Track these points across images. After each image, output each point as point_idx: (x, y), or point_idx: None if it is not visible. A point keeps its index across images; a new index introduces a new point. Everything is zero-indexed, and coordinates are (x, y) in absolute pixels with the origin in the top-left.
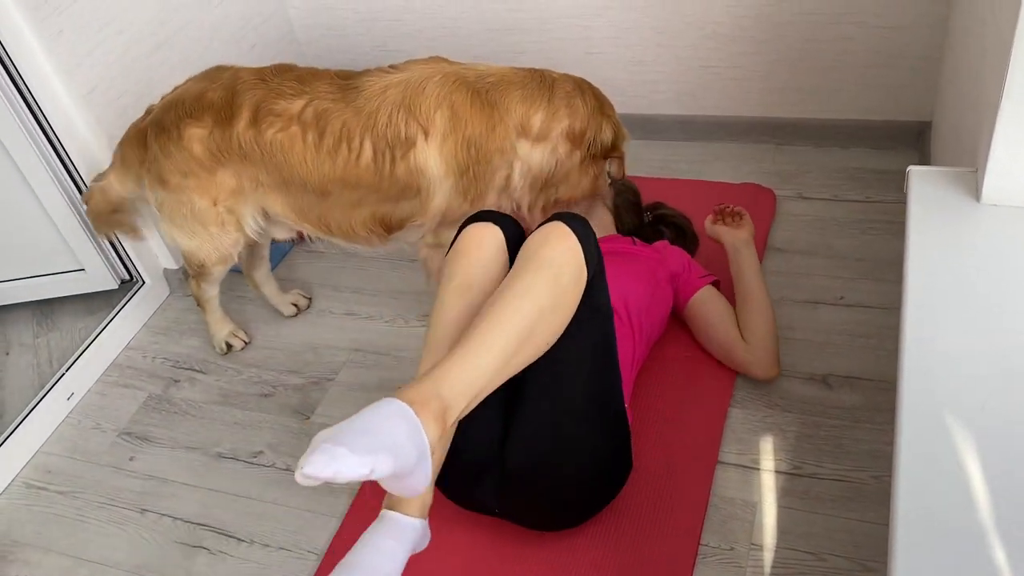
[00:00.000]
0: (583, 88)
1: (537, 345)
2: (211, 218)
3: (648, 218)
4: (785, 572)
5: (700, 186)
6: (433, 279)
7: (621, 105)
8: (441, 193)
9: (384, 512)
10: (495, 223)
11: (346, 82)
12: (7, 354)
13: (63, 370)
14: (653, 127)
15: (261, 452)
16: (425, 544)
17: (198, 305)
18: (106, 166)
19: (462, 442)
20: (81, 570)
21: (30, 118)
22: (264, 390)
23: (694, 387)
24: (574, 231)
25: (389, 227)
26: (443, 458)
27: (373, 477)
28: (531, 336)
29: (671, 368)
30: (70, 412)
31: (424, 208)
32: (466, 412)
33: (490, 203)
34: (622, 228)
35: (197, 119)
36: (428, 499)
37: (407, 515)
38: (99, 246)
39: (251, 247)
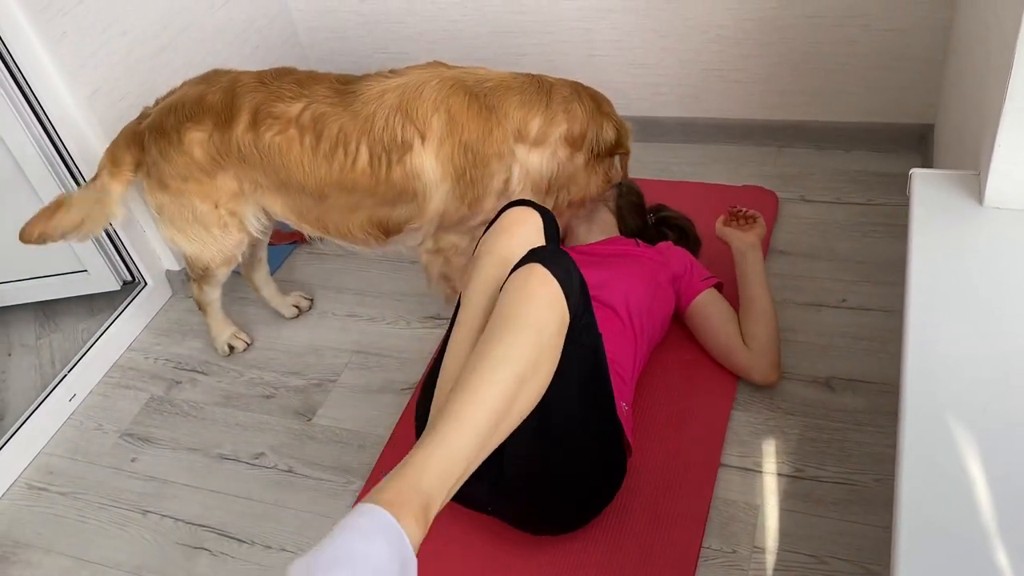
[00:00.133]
0: (580, 91)
1: (521, 412)
2: (213, 220)
3: (651, 220)
4: (787, 575)
5: (702, 188)
6: (434, 284)
7: (623, 108)
8: (438, 197)
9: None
10: (535, 208)
11: (345, 86)
12: (9, 355)
13: (65, 371)
14: (655, 129)
15: (263, 454)
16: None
17: (199, 308)
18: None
19: None
20: (82, 571)
21: (33, 119)
22: (266, 392)
23: (696, 390)
24: (555, 275)
25: (387, 231)
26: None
27: None
28: (512, 407)
29: (673, 370)
30: (72, 413)
31: (421, 212)
32: (449, 498)
33: (489, 207)
34: (625, 230)
35: (197, 122)
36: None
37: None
38: (101, 247)
39: (250, 248)
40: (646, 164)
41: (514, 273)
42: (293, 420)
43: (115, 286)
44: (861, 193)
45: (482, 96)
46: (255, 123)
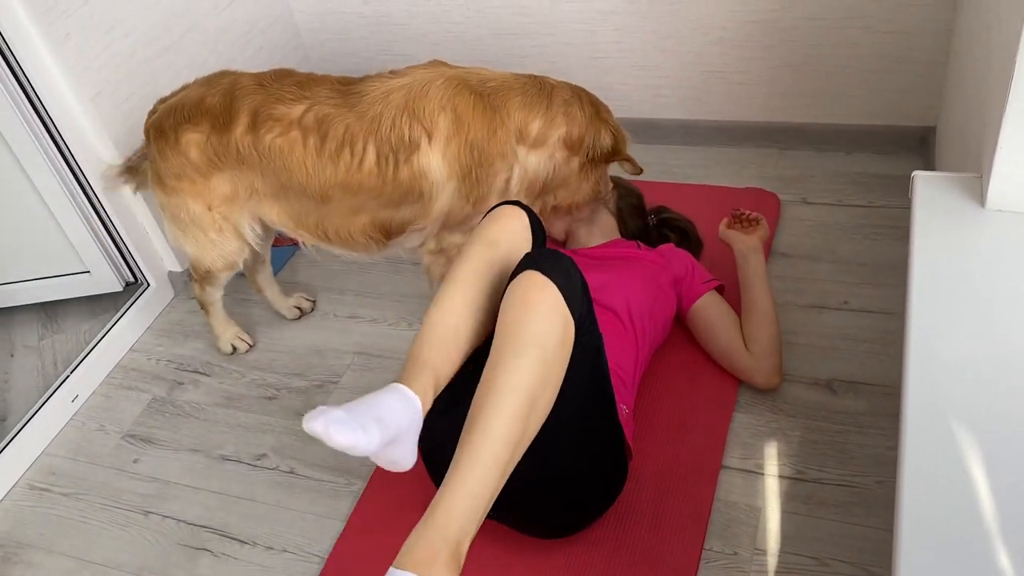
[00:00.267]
0: (580, 95)
1: (536, 427)
2: (208, 223)
3: (652, 221)
4: None
5: (703, 190)
6: (435, 284)
7: (625, 109)
8: (444, 196)
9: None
10: (522, 208)
11: (347, 87)
12: (12, 356)
13: (67, 372)
14: (656, 131)
15: (265, 455)
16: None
17: (202, 308)
18: (110, 166)
19: (452, 440)
20: (84, 572)
21: (36, 120)
22: (268, 393)
23: (698, 392)
24: (553, 280)
25: (389, 233)
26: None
27: None
28: (526, 428)
29: (675, 373)
30: (74, 414)
31: (426, 212)
32: (477, 530)
33: (491, 206)
34: (626, 232)
35: (195, 124)
36: None
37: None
38: (104, 249)
39: (252, 251)
40: (647, 166)
41: (512, 283)
42: (295, 421)
43: (118, 287)
44: (863, 195)
45: (486, 95)
46: (254, 125)
